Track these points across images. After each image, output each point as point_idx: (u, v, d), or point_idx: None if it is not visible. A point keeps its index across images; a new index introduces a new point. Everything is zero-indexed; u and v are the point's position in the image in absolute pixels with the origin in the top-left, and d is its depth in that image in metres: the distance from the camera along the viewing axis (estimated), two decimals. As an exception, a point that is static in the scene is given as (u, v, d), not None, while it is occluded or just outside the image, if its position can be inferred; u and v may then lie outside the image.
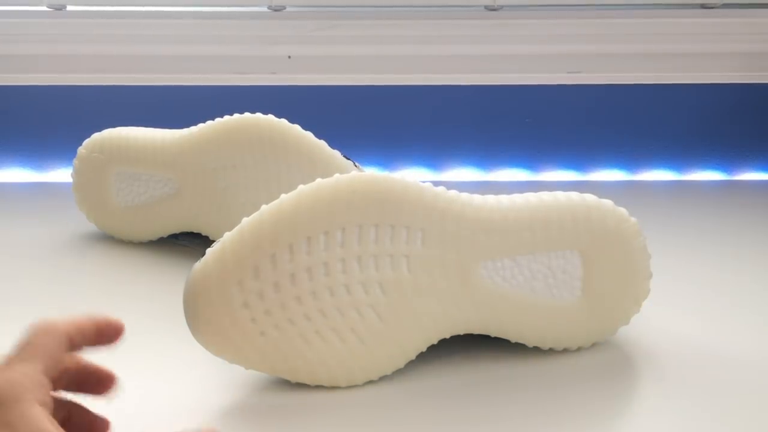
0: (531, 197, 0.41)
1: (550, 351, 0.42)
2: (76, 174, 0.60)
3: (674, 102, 0.84)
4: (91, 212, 0.60)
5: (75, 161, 0.59)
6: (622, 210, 0.41)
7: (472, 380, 0.40)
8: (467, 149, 0.82)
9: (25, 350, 0.28)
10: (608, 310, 0.41)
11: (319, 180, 0.37)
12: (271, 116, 0.54)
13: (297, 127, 0.54)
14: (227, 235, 0.36)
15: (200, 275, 0.36)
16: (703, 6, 0.78)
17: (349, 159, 0.55)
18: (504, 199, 0.40)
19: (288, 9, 0.77)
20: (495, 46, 0.78)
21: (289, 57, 0.77)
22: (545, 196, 0.41)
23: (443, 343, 0.40)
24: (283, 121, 0.54)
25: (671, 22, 0.77)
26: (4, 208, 0.71)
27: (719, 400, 0.37)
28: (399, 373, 0.39)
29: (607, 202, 0.41)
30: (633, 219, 0.41)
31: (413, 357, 0.39)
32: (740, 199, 0.79)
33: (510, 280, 0.39)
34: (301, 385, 0.38)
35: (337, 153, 0.54)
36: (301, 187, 0.37)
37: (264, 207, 0.37)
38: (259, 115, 0.54)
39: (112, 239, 0.60)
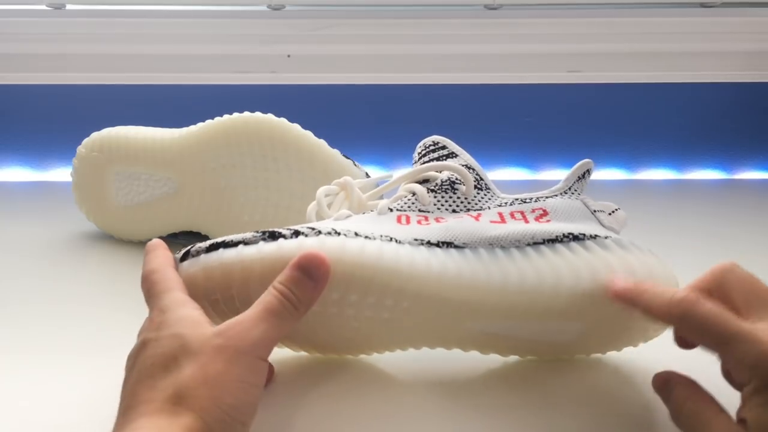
0: (529, 278, 0.35)
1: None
2: (76, 173, 0.60)
3: (674, 101, 0.84)
4: (91, 211, 0.60)
5: (74, 160, 0.59)
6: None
7: (474, 379, 0.40)
8: (466, 148, 0.82)
9: (157, 285, 0.33)
10: (609, 345, 0.40)
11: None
12: (270, 115, 0.54)
13: (297, 127, 0.54)
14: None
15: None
16: (703, 5, 0.78)
17: (348, 158, 0.55)
18: (497, 277, 0.35)
19: (287, 8, 0.77)
20: (495, 46, 0.78)
21: (289, 56, 0.77)
22: (548, 279, 0.35)
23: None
24: (283, 120, 0.54)
25: (671, 21, 0.78)
26: (4, 207, 0.71)
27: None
28: (398, 373, 0.40)
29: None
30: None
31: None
32: (740, 198, 0.79)
33: (498, 330, 0.37)
34: (300, 386, 0.38)
35: (336, 152, 0.54)
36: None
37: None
38: (258, 114, 0.54)
39: (111, 238, 0.60)
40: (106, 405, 0.30)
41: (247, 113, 0.54)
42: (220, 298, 0.35)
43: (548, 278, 0.35)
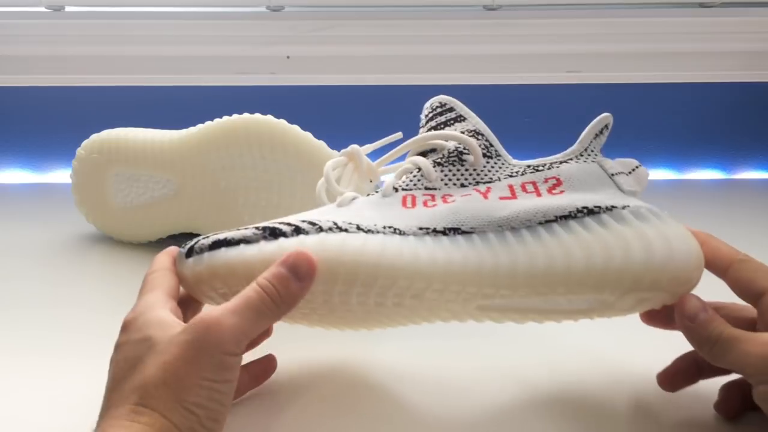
0: (539, 262, 0.34)
1: (552, 349, 0.42)
2: (76, 175, 0.60)
3: (673, 101, 0.84)
4: (91, 213, 0.60)
5: (74, 162, 0.59)
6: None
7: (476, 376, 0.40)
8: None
9: (143, 287, 0.34)
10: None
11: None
12: (270, 117, 0.54)
13: (296, 128, 0.54)
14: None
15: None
16: (702, 5, 0.78)
17: (348, 159, 0.55)
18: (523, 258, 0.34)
19: (286, 9, 0.77)
20: (494, 46, 0.78)
21: (288, 57, 0.77)
22: (559, 262, 0.34)
23: (444, 339, 0.40)
24: (282, 121, 0.54)
25: (670, 21, 0.78)
26: (4, 209, 0.72)
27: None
28: (398, 375, 0.40)
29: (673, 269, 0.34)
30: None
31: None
32: (739, 197, 0.79)
33: (512, 305, 0.37)
34: (298, 384, 0.38)
35: (336, 153, 0.54)
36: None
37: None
38: (258, 115, 0.54)
39: (111, 240, 0.60)
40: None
41: (246, 114, 0.54)
42: (228, 291, 0.35)
43: (559, 261, 0.34)
